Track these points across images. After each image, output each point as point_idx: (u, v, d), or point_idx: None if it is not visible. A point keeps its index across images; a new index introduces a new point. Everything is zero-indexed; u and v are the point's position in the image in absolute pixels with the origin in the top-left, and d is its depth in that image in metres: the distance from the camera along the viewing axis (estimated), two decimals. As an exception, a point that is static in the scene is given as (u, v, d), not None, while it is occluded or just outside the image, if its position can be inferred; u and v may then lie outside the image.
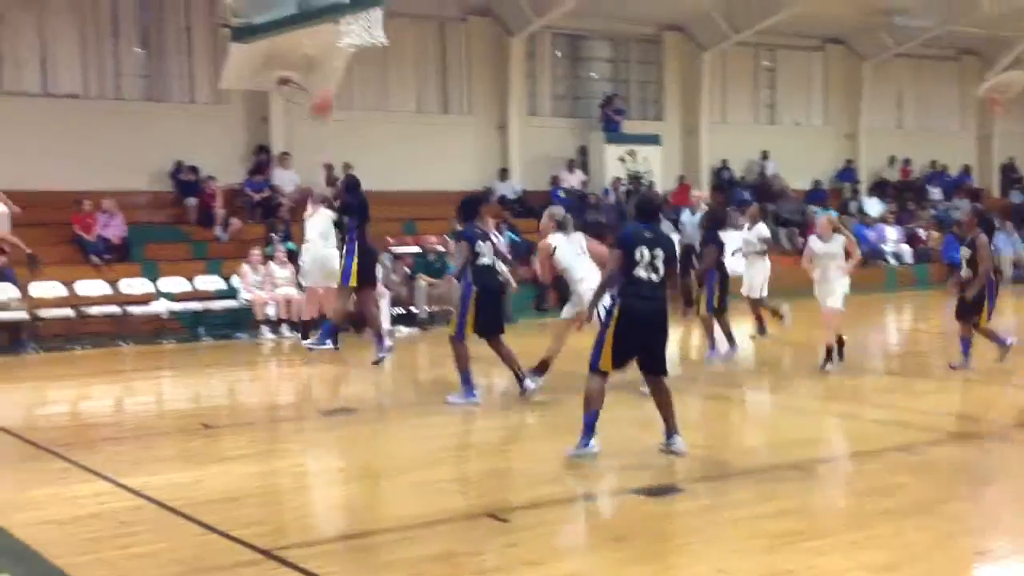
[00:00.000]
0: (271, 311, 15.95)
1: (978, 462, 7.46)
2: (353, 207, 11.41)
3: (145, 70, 19.30)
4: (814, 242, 11.40)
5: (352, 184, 11.66)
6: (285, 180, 19.46)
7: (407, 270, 17.22)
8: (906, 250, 24.48)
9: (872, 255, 23.97)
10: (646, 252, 7.07)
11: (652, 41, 24.54)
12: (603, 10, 21.91)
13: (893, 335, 17.20)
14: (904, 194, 26.55)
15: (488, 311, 9.45)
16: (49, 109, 18.17)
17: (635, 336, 7.13)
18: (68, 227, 17.07)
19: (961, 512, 6.14)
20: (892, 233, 24.55)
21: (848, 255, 11.20)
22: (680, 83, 24.64)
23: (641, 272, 7.07)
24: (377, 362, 11.17)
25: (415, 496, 6.63)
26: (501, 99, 22.47)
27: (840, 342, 11.24)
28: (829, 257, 11.08)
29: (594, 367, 7.19)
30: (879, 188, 26.53)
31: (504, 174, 22.14)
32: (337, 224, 12.72)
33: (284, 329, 16.01)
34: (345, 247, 11.32)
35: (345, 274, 10.99)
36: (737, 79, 25.53)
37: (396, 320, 16.54)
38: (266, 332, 15.81)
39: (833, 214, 12.12)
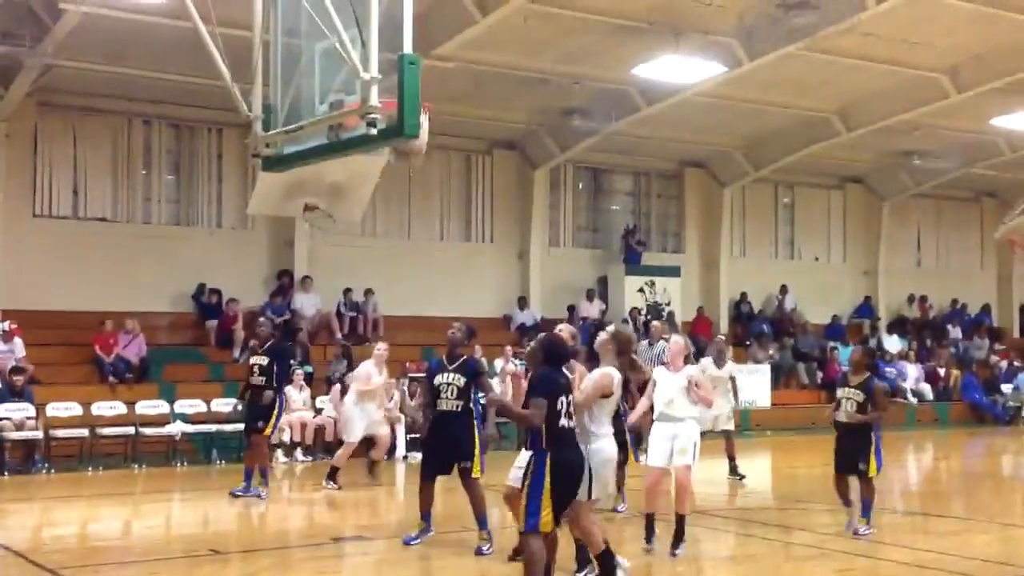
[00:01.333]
0: (286, 436, 15.89)
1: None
2: (290, 355, 12.09)
3: (174, 195, 19.74)
4: (659, 373, 9.03)
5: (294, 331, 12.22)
6: (306, 304, 19.65)
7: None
8: (926, 388, 24.31)
9: (892, 392, 23.83)
10: (564, 400, 6.68)
11: (673, 176, 24.95)
12: (625, 147, 22.38)
13: (913, 474, 16.94)
14: (923, 332, 26.49)
15: None
16: (78, 232, 18.55)
17: (570, 488, 6.75)
18: (90, 347, 17.21)
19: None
20: (912, 371, 24.40)
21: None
22: (700, 217, 24.95)
23: (564, 421, 6.67)
24: (236, 495, 12.01)
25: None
26: (523, 228, 22.79)
27: (680, 519, 8.73)
28: (677, 393, 8.81)
29: (533, 528, 6.57)
30: (898, 325, 26.50)
31: (523, 302, 22.28)
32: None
33: (298, 453, 15.94)
34: (278, 397, 12.14)
35: (276, 426, 12.50)
36: (756, 214, 25.82)
37: (410, 446, 16.43)
38: (280, 456, 15.72)
39: (684, 341, 9.23)
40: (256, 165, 10.29)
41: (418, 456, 16.00)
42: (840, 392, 9.61)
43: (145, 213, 19.35)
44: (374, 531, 10.44)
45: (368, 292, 20.44)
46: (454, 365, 9.26)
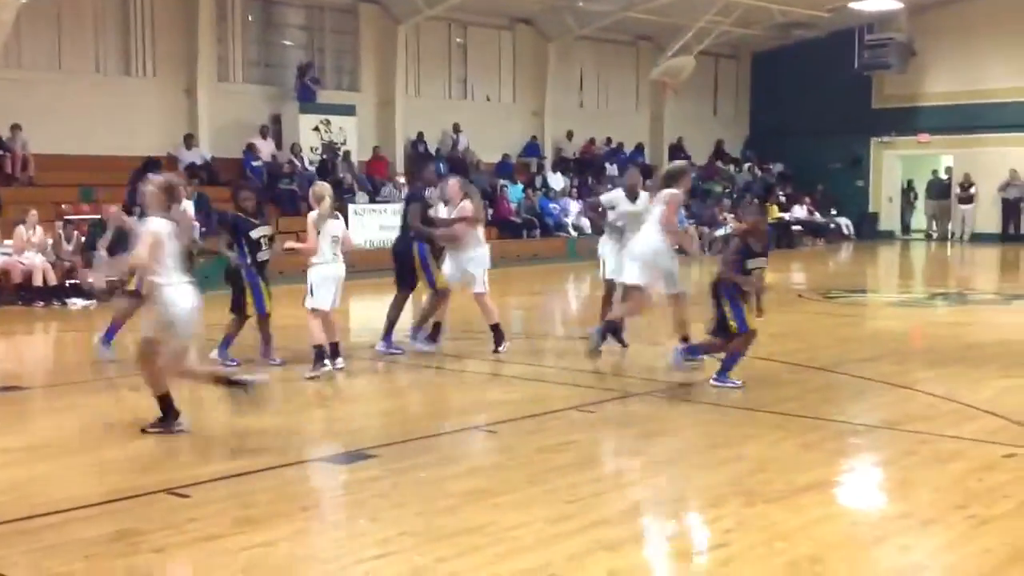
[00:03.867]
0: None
1: (645, 417, 8.03)
2: None
3: None
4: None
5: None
6: (-59, 141, 17.75)
7: (82, 239, 16.18)
8: (585, 223, 25.80)
9: (556, 228, 25.21)
10: None
11: (347, 11, 24.35)
12: (296, -24, 21.54)
13: (573, 302, 18.15)
14: (584, 169, 27.95)
15: None
16: None
17: None
18: None
19: (627, 465, 6.60)
20: (574, 207, 25.80)
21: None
22: (375, 54, 24.64)
23: None
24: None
25: (88, 476, 6.29)
26: (189, 62, 21.54)
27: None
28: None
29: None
30: (562, 163, 27.79)
31: (190, 140, 21.27)
32: None
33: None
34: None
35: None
36: (431, 53, 25.85)
37: (71, 292, 15.54)
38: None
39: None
40: None
41: (78, 302, 15.27)
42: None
43: None
44: (28, 380, 9.90)
45: (15, 128, 18.69)
46: None
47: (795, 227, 28.71)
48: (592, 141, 28.78)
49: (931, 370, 9.22)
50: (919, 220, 32.38)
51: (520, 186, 25.70)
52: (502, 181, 25.26)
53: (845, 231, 30.14)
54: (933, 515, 5.63)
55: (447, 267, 10.67)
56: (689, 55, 26.87)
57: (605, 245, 10.96)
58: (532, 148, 27.52)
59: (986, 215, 29.34)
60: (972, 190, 29.36)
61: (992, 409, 8.04)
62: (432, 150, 25.41)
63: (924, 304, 14.17)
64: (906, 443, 7.13)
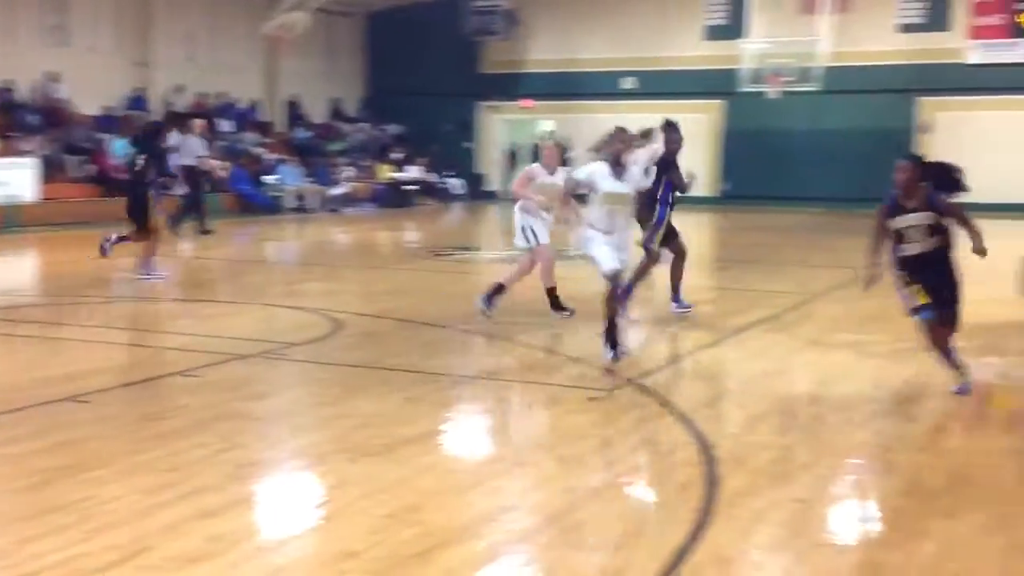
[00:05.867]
0: None
1: (253, 379, 7.93)
2: None
3: None
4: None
5: None
6: None
7: None
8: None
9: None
10: None
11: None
12: None
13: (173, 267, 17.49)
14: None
15: None
16: None
17: None
18: None
19: (233, 428, 6.49)
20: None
21: None
22: (-45, -7, 22.22)
23: None
24: None
25: None
26: None
27: None
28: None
29: None
30: (175, 119, 26.53)
31: None
32: None
33: None
34: None
35: None
36: (21, -6, 23.74)
37: None
38: None
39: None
40: None
41: None
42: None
43: None
44: None
45: None
46: None
47: (409, 187, 29.41)
48: (205, 96, 27.71)
49: (528, 322, 9.83)
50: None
51: (125, 140, 24.24)
52: (105, 135, 23.77)
53: (460, 191, 31.30)
54: (524, 458, 6.05)
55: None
56: (304, 11, 26.59)
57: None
58: (138, 101, 26.07)
59: (583, 176, 31.67)
60: (571, 154, 31.50)
61: (581, 356, 8.73)
62: (27, 100, 23.39)
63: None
64: (504, 392, 7.58)
